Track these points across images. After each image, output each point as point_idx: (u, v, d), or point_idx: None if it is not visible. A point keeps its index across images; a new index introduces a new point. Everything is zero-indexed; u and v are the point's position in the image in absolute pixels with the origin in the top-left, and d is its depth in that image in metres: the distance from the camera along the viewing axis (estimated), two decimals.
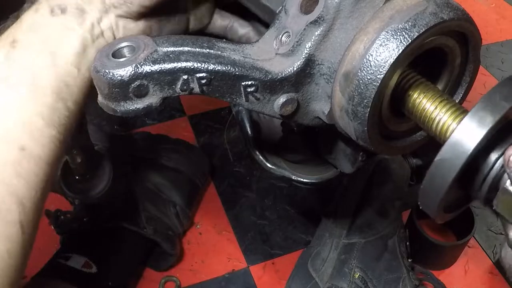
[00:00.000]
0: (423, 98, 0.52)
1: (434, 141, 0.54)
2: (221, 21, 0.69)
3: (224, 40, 0.55)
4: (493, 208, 0.48)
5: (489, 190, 0.47)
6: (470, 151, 0.43)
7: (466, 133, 0.43)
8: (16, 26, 0.57)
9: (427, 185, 0.46)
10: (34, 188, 0.54)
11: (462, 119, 0.47)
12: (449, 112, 0.50)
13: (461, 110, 0.50)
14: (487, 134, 0.43)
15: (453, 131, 0.49)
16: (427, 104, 0.52)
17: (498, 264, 1.11)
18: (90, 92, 0.58)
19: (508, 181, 0.45)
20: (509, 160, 0.44)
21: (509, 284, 1.05)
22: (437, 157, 0.44)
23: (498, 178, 0.46)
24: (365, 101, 0.50)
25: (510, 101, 0.43)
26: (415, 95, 0.53)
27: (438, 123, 0.51)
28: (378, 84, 0.49)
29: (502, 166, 0.45)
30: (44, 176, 0.55)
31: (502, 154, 0.45)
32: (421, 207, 0.48)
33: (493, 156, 0.46)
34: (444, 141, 0.46)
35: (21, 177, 0.53)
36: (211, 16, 0.67)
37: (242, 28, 0.70)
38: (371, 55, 0.49)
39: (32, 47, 0.55)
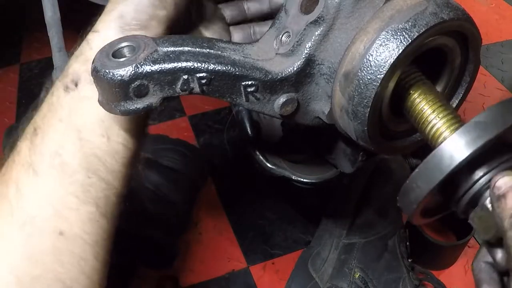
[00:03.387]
0: (422, 100, 0.52)
1: None
2: None
3: (224, 40, 0.55)
4: (468, 221, 0.49)
5: (468, 203, 0.48)
6: (453, 166, 0.43)
7: (453, 147, 0.44)
8: (36, 115, 0.56)
9: (408, 186, 0.46)
10: (81, 270, 0.53)
11: (454, 130, 0.48)
12: (444, 119, 0.50)
13: (456, 119, 0.51)
14: (473, 153, 0.43)
15: (443, 139, 0.49)
16: (425, 107, 0.52)
17: None
18: (126, 158, 0.55)
19: (488, 200, 0.46)
20: (494, 185, 0.45)
21: None
22: (423, 163, 0.45)
23: (479, 195, 0.47)
24: (365, 101, 0.50)
25: (503, 124, 0.44)
26: (415, 95, 0.53)
27: (432, 127, 0.51)
28: (378, 84, 0.49)
29: (485, 185, 0.46)
30: (89, 256, 0.54)
31: (487, 172, 0.46)
32: (398, 204, 0.49)
33: (478, 173, 0.46)
34: (434, 147, 0.46)
35: (63, 262, 0.52)
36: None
37: None
38: (371, 55, 0.49)
39: (52, 129, 0.54)
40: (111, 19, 0.54)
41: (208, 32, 0.63)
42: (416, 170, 0.45)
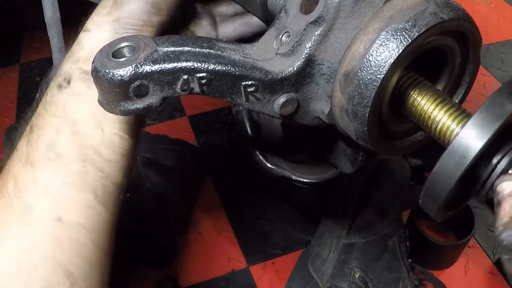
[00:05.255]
0: (422, 98, 0.52)
1: (434, 141, 0.54)
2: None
3: (224, 40, 0.55)
4: (494, 206, 0.48)
5: (489, 190, 0.47)
6: (472, 157, 0.43)
7: (468, 139, 0.43)
8: (33, 115, 0.58)
9: (429, 187, 0.46)
10: (80, 255, 0.54)
11: (464, 123, 0.47)
12: (449, 113, 0.50)
13: (460, 110, 0.51)
14: (489, 140, 0.43)
15: (452, 133, 0.49)
16: (427, 104, 0.52)
17: (498, 264, 1.11)
18: (123, 149, 0.57)
19: None
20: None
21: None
22: (440, 161, 0.44)
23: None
24: (365, 101, 0.49)
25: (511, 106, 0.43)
26: (415, 95, 0.53)
27: (437, 124, 0.51)
28: (378, 84, 0.49)
29: (506, 167, 0.46)
30: (88, 242, 0.55)
31: (504, 156, 0.46)
32: (422, 207, 0.48)
33: (495, 158, 0.46)
34: (445, 143, 0.45)
35: (62, 247, 0.53)
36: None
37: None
38: (371, 55, 0.48)
39: (48, 125, 0.55)
40: (106, 22, 0.55)
41: (195, 28, 0.64)
42: (434, 170, 0.44)
